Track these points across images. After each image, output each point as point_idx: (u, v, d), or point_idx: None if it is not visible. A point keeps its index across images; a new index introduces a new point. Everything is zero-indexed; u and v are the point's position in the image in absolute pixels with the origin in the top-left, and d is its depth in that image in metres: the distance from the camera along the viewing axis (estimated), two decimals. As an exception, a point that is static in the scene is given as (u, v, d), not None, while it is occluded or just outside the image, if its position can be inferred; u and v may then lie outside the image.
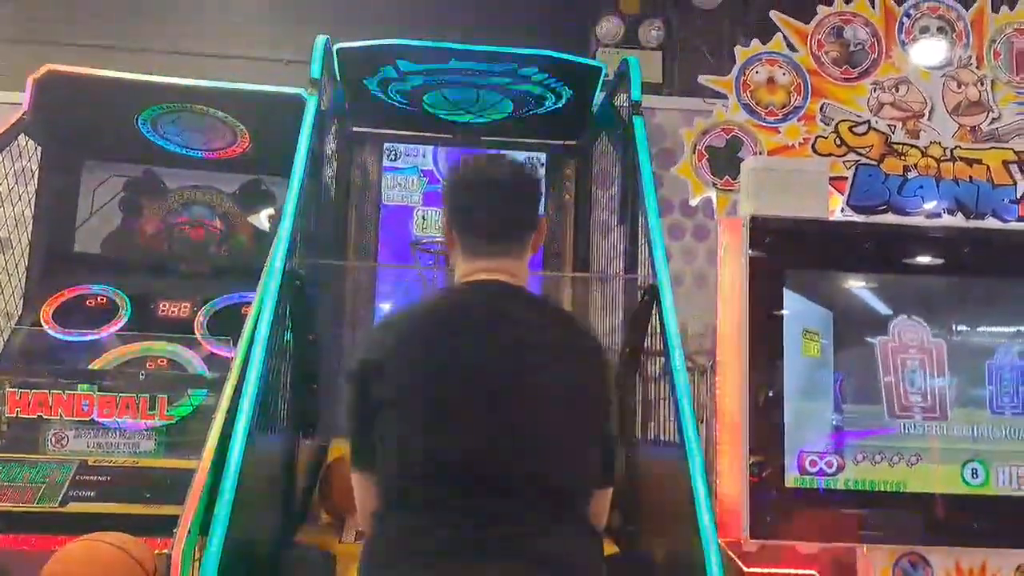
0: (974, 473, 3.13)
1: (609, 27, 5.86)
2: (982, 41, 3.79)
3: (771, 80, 3.73)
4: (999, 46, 3.79)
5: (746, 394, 3.08)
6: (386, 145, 4.35)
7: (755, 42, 3.80)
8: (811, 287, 3.19)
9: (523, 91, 3.89)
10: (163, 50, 5.68)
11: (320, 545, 2.90)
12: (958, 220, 3.56)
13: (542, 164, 4.39)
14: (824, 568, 3.05)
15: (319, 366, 3.21)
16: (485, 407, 1.60)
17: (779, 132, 3.69)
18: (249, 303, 3.38)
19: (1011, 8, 3.85)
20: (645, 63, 4.61)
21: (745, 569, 2.95)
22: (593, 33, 5.90)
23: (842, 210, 3.56)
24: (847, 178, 3.60)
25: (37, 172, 4.12)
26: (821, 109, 3.70)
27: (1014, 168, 3.64)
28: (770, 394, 3.09)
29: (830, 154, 3.64)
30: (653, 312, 2.97)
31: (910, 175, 3.60)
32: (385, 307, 4.22)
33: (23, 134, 3.93)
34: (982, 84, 3.75)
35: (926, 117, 3.71)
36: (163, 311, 4.10)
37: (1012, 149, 3.67)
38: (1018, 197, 3.61)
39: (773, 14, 3.81)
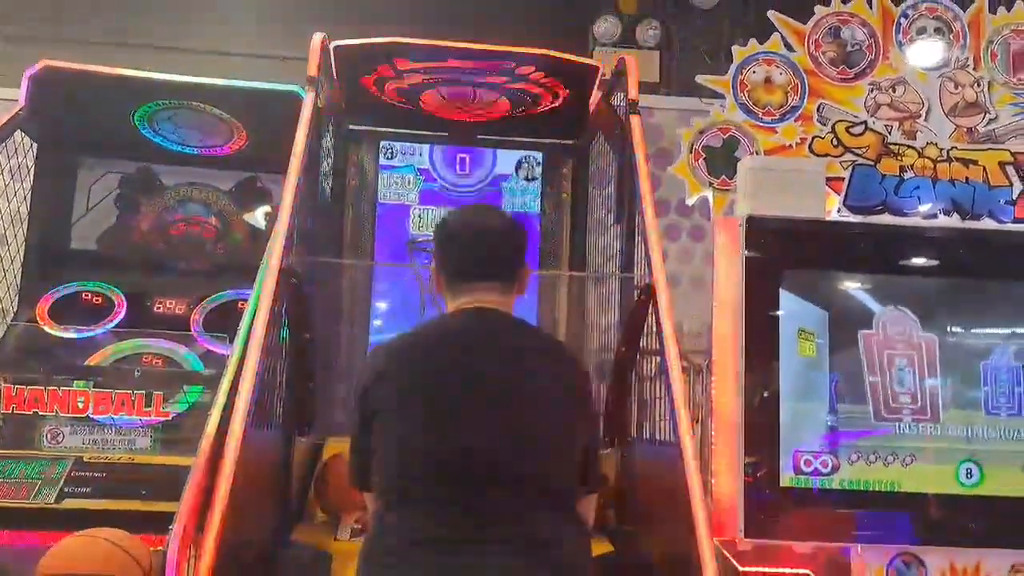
0: (968, 473, 3.14)
1: (607, 26, 5.86)
2: (979, 42, 3.80)
3: (768, 80, 3.74)
4: (996, 47, 3.80)
5: (742, 394, 3.08)
6: (383, 143, 4.34)
7: (752, 42, 3.81)
8: (807, 287, 3.20)
9: (520, 90, 3.89)
10: (160, 46, 5.67)
11: (315, 543, 2.90)
12: (954, 221, 3.57)
13: (538, 163, 4.39)
14: (819, 568, 3.05)
15: (315, 364, 3.21)
16: (480, 411, 1.70)
17: (776, 132, 3.70)
18: (245, 300, 3.38)
19: (1008, 9, 3.86)
20: (642, 63, 4.64)
21: (740, 568, 2.95)
22: (591, 32, 5.90)
23: (839, 210, 3.57)
24: (844, 178, 3.61)
25: (33, 168, 4.11)
26: (818, 109, 3.71)
27: (1010, 169, 3.65)
28: (765, 394, 3.10)
29: (827, 154, 3.65)
30: (649, 311, 2.98)
31: (906, 176, 3.61)
32: (382, 305, 4.22)
33: (19, 130, 3.92)
34: (979, 85, 3.76)
35: (923, 118, 3.72)
36: (159, 308, 4.10)
37: (1008, 150, 3.68)
38: (1014, 198, 3.62)
39: (771, 14, 3.82)
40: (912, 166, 3.63)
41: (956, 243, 3.35)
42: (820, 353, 3.17)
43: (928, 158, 3.64)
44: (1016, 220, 3.59)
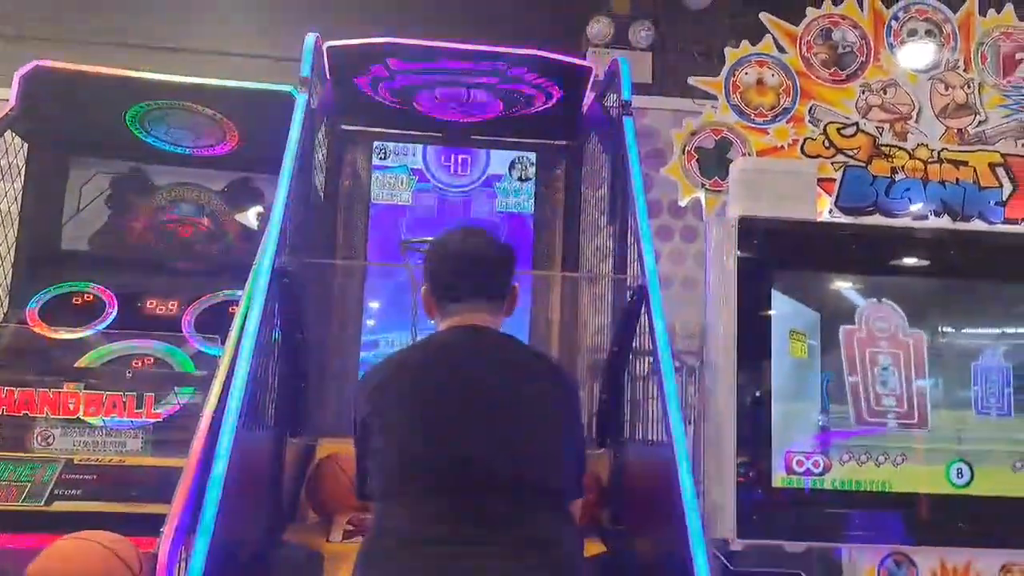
0: (959, 473, 3.15)
1: (599, 27, 5.86)
2: (969, 44, 3.82)
3: (760, 82, 3.74)
4: (986, 49, 3.82)
5: (734, 394, 3.09)
6: (376, 144, 4.34)
7: (744, 43, 3.81)
8: (799, 288, 3.21)
9: (513, 91, 3.90)
10: (152, 46, 5.66)
11: (308, 544, 2.89)
12: (945, 222, 3.59)
13: (532, 164, 4.40)
14: (810, 568, 3.06)
15: (308, 365, 3.21)
16: (477, 420, 1.76)
17: (768, 133, 3.71)
18: (237, 301, 3.37)
19: (998, 11, 3.87)
20: (635, 64, 4.63)
21: (732, 569, 2.96)
22: (584, 33, 5.91)
23: (830, 211, 3.58)
24: (835, 180, 3.62)
25: (23, 168, 4.09)
26: (810, 111, 3.72)
27: (1000, 171, 3.66)
28: (757, 394, 3.11)
29: (819, 156, 3.65)
30: (642, 312, 2.98)
31: (897, 177, 3.62)
32: (374, 305, 4.21)
33: (9, 130, 3.90)
34: (969, 87, 3.78)
35: (914, 119, 3.73)
36: (150, 309, 4.08)
37: (999, 152, 3.70)
38: (1004, 199, 3.63)
39: (763, 16, 3.82)
40: (903, 167, 3.64)
41: (947, 244, 3.37)
42: (812, 354, 3.18)
43: (919, 159, 3.66)
44: (1006, 221, 3.60)
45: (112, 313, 3.99)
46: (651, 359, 2.90)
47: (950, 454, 3.17)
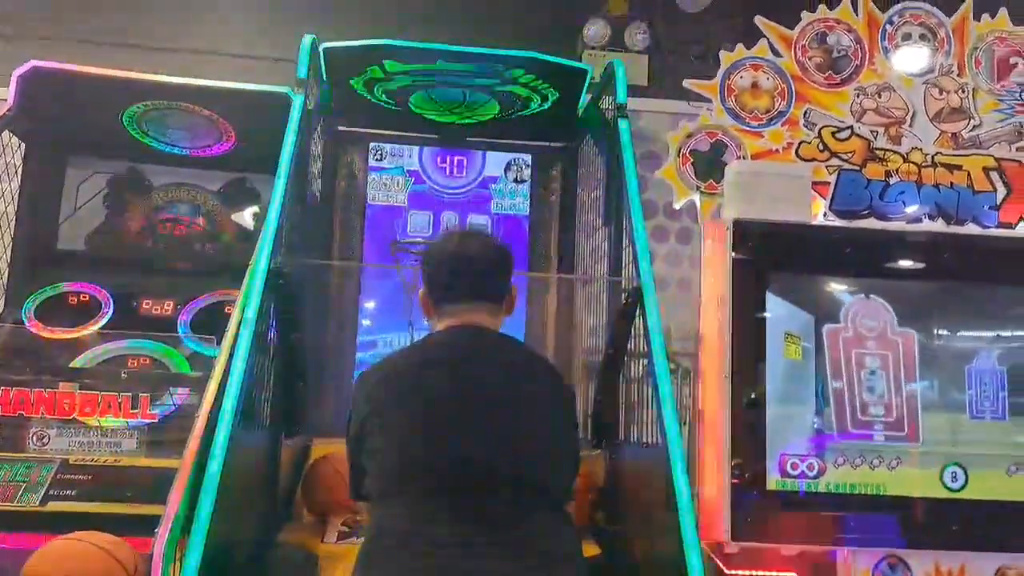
0: (954, 477, 3.16)
1: (596, 30, 5.88)
2: (964, 49, 3.83)
3: (755, 85, 3.76)
4: (980, 54, 3.83)
5: (728, 397, 3.10)
6: (372, 145, 4.34)
7: (740, 47, 3.83)
8: (794, 291, 3.21)
9: (510, 93, 3.90)
10: (150, 47, 5.66)
11: (302, 545, 2.89)
12: (939, 226, 3.60)
13: (528, 165, 4.40)
14: (805, 570, 3.07)
15: (303, 365, 3.21)
16: (475, 420, 1.76)
17: (763, 137, 3.72)
18: (233, 301, 3.38)
19: (992, 16, 3.88)
20: (631, 66, 4.66)
21: (726, 571, 2.96)
22: (580, 36, 5.92)
23: (825, 215, 3.59)
24: (830, 183, 3.63)
25: (20, 168, 4.09)
26: (805, 114, 3.73)
27: (994, 175, 3.68)
28: (752, 396, 3.11)
29: (813, 159, 3.67)
30: (637, 314, 2.99)
31: (892, 181, 3.64)
32: (370, 306, 4.22)
33: (6, 130, 3.90)
34: (963, 91, 3.79)
35: (908, 123, 3.74)
36: (146, 309, 4.08)
37: (992, 156, 3.71)
38: (998, 203, 3.65)
39: (758, 19, 3.84)
40: (897, 171, 3.65)
41: (941, 247, 3.38)
42: (806, 356, 3.18)
43: (913, 163, 3.67)
44: (1000, 225, 3.61)
45: (108, 313, 3.98)
46: (646, 361, 2.91)
47: (944, 458, 3.17)
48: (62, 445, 3.41)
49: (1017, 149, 3.74)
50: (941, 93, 3.78)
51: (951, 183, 3.64)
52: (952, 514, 3.13)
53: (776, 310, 3.18)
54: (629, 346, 3.11)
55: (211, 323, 3.89)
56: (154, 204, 4.36)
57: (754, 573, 3.01)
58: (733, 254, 3.19)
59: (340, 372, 4.00)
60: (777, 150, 3.70)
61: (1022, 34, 3.86)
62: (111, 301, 4.03)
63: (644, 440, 2.99)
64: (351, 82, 3.84)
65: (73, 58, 4.01)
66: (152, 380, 3.63)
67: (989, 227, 3.59)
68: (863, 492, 3.12)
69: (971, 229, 3.59)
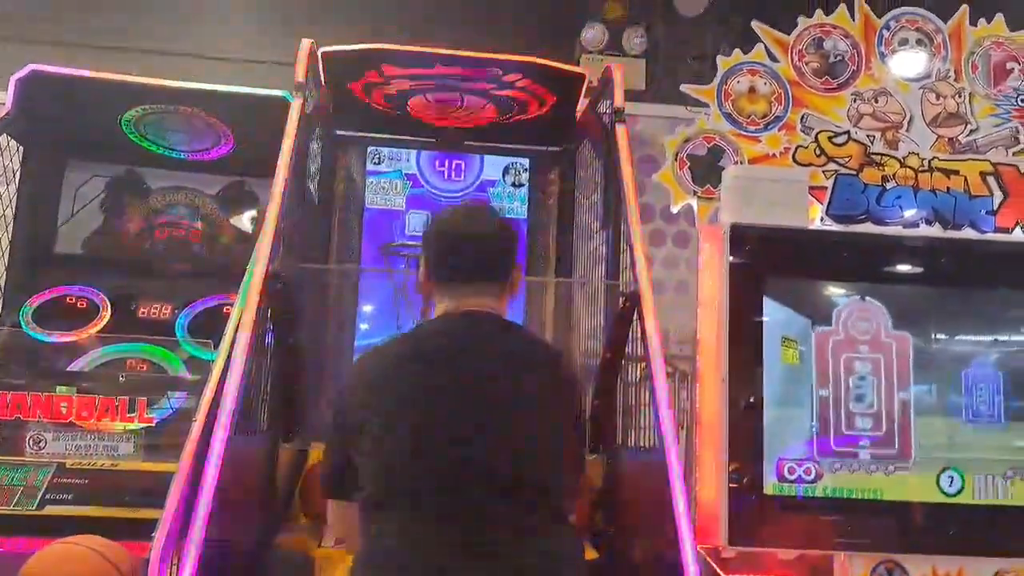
0: (951, 481, 3.16)
1: (593, 34, 5.88)
2: (960, 54, 3.84)
3: (752, 90, 3.76)
4: (977, 59, 3.84)
5: (725, 401, 3.10)
6: (370, 149, 4.35)
7: (736, 52, 3.83)
8: (791, 295, 3.22)
9: (507, 97, 3.91)
10: (148, 50, 5.65)
11: (300, 549, 2.89)
12: (936, 230, 3.60)
13: (525, 169, 4.41)
14: (802, 575, 3.07)
15: (301, 369, 3.21)
16: (473, 420, 1.67)
17: (760, 141, 3.72)
18: (231, 305, 3.38)
19: (989, 21, 3.89)
20: (628, 70, 4.66)
21: (723, 575, 2.97)
22: (577, 40, 5.92)
23: (822, 219, 3.59)
24: (827, 188, 3.63)
25: (19, 171, 4.09)
26: (802, 119, 3.73)
27: (991, 180, 3.68)
28: (750, 400, 3.12)
29: (810, 164, 3.67)
30: (634, 317, 2.99)
31: (889, 185, 3.64)
32: (368, 309, 4.22)
33: (4, 133, 3.90)
34: (960, 96, 3.80)
35: (905, 128, 3.75)
36: (144, 312, 4.08)
37: (989, 160, 3.71)
38: (995, 208, 3.65)
39: (755, 24, 3.84)
40: (894, 176, 3.66)
41: (938, 252, 3.39)
42: (803, 360, 3.19)
43: (910, 168, 3.67)
44: (997, 230, 3.62)
45: (106, 316, 3.98)
46: (644, 365, 2.91)
47: (941, 463, 3.18)
48: (59, 449, 3.41)
49: (1014, 154, 3.75)
50: (938, 98, 3.79)
51: (948, 188, 3.64)
52: (949, 519, 3.14)
53: (773, 314, 3.19)
54: (627, 350, 3.11)
55: (209, 327, 3.89)
56: (152, 207, 4.36)
57: (751, 577, 3.02)
58: (730, 258, 3.20)
59: (338, 376, 4.00)
60: (774, 155, 3.70)
61: (1019, 39, 3.87)
62: (109, 304, 4.03)
63: (641, 444, 2.99)
64: (349, 86, 3.84)
65: (71, 61, 4.01)
66: (150, 384, 3.63)
67: (986, 232, 3.60)
68: (860, 497, 3.13)
69: (968, 234, 3.59)
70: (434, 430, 1.66)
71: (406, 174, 4.35)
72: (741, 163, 3.67)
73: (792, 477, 3.11)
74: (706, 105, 3.78)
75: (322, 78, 3.73)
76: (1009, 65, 3.85)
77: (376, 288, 4.19)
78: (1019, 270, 3.38)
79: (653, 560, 2.72)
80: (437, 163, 4.37)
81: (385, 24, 5.30)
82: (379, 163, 4.35)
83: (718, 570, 2.98)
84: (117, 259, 4.25)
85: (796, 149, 3.70)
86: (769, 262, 3.25)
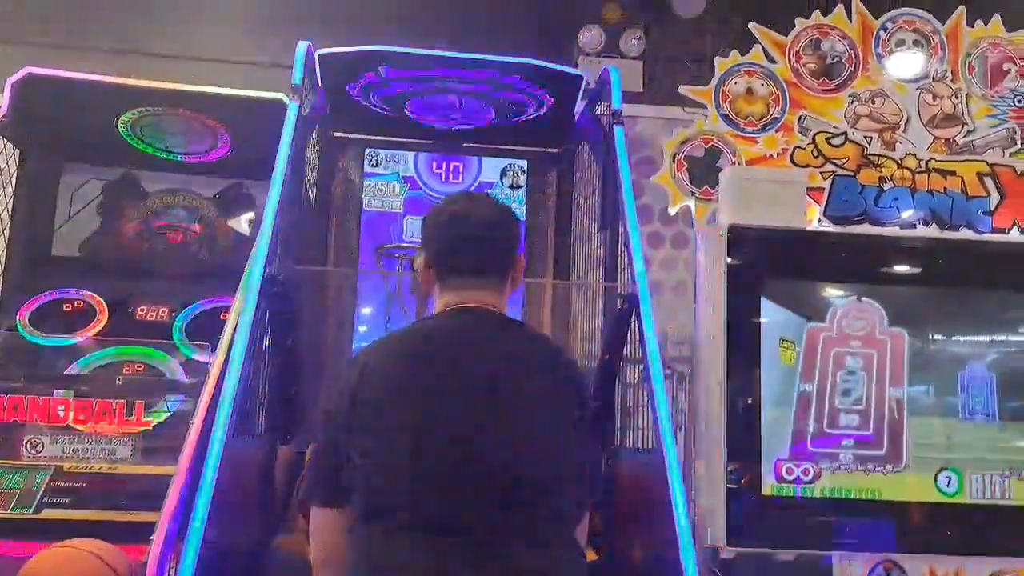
0: (948, 482, 3.17)
1: (591, 36, 5.89)
2: (957, 55, 3.84)
3: (750, 91, 3.76)
4: (974, 60, 3.85)
5: (723, 402, 3.10)
6: (367, 151, 4.35)
7: (734, 53, 3.83)
8: (788, 296, 3.22)
9: (505, 98, 3.91)
10: (144, 52, 5.65)
11: (298, 552, 2.88)
12: (933, 231, 3.60)
13: (523, 171, 4.41)
14: (801, 575, 3.07)
15: (298, 372, 3.21)
16: (471, 426, 1.60)
17: (757, 142, 3.72)
18: (228, 308, 3.36)
19: (986, 22, 3.90)
20: (626, 72, 4.67)
21: (721, 576, 2.97)
22: (575, 42, 5.93)
23: (819, 220, 3.59)
24: (824, 189, 3.63)
25: (15, 174, 4.09)
26: (799, 120, 3.73)
27: (988, 180, 3.68)
28: (748, 401, 3.12)
29: (808, 165, 3.67)
30: (632, 319, 2.99)
31: (886, 186, 3.64)
32: (366, 311, 4.22)
33: (1, 136, 3.90)
34: (957, 97, 3.81)
35: (902, 129, 3.75)
36: (141, 315, 4.08)
37: (986, 161, 3.71)
38: (992, 209, 3.65)
39: (752, 26, 3.84)
40: (891, 177, 3.66)
41: (935, 253, 3.39)
42: (800, 361, 3.19)
43: (907, 169, 3.67)
44: (994, 230, 3.62)
45: (103, 319, 3.98)
46: (642, 366, 2.91)
47: (939, 462, 3.18)
48: (56, 452, 3.41)
49: (1011, 155, 3.75)
50: (935, 99, 3.79)
51: (945, 189, 3.64)
52: (947, 519, 3.14)
53: (771, 315, 3.19)
54: (625, 351, 3.11)
55: (207, 329, 3.89)
56: (149, 210, 4.36)
57: (750, 578, 3.01)
58: (728, 259, 3.19)
59: (336, 378, 3.99)
60: (772, 156, 3.70)
61: (1016, 40, 3.87)
62: (106, 307, 4.02)
63: (640, 445, 2.99)
64: (347, 88, 3.84)
65: (68, 63, 4.01)
66: (147, 386, 3.62)
67: (983, 232, 3.60)
68: (858, 497, 3.12)
69: (965, 234, 3.59)
70: (434, 432, 1.60)
71: (404, 176, 4.35)
72: (739, 164, 3.67)
73: (790, 478, 3.11)
74: (704, 106, 3.78)
75: (319, 80, 3.73)
76: (1006, 66, 3.85)
77: (374, 290, 4.19)
78: (1016, 270, 3.39)
79: (652, 561, 2.71)
80: (435, 165, 4.37)
81: (381, 27, 5.29)
82: (377, 165, 4.35)
83: (717, 571, 2.98)
84: (114, 262, 4.25)
85: (794, 150, 3.70)
86: (767, 263, 3.25)
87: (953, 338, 3.34)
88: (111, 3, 5.89)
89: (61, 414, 3.45)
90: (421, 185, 4.34)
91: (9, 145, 4.00)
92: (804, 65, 3.80)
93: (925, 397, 3.23)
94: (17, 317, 3.90)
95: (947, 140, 3.76)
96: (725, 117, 3.75)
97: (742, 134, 3.74)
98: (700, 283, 3.38)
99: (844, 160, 3.69)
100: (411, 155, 4.37)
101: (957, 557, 3.11)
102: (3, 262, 4.07)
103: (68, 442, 3.44)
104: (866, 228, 3.57)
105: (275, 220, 2.89)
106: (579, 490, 1.70)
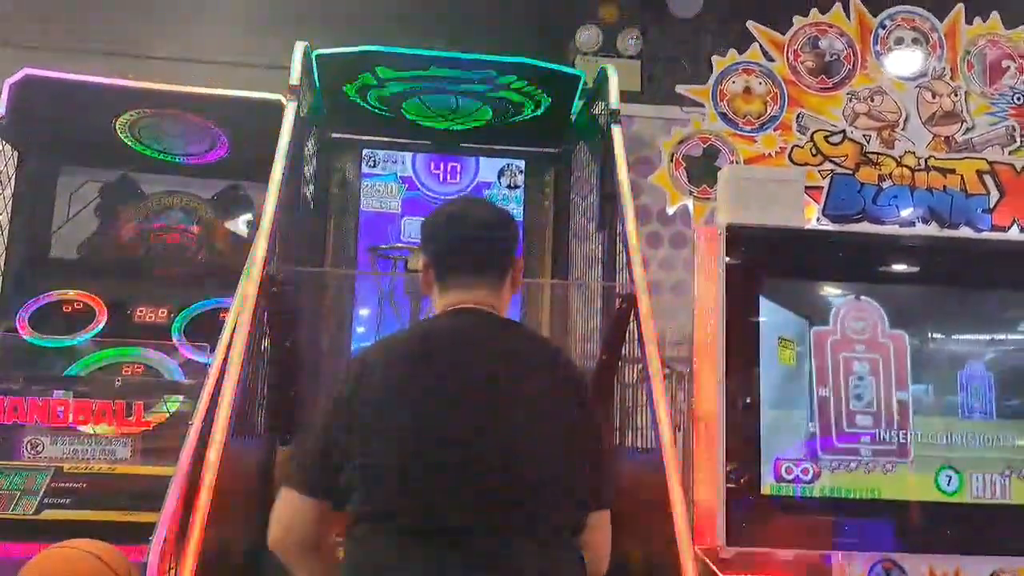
0: (948, 480, 3.16)
1: (588, 35, 5.88)
2: (956, 52, 3.84)
3: (748, 90, 3.76)
4: (972, 57, 3.85)
5: (722, 401, 3.10)
6: (365, 151, 4.35)
7: (732, 52, 3.83)
8: (787, 295, 3.22)
9: (502, 98, 3.91)
10: (142, 54, 5.64)
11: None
12: (932, 229, 3.60)
13: (521, 171, 4.41)
14: (800, 574, 3.07)
15: (297, 372, 3.20)
16: (469, 429, 1.60)
17: (756, 141, 3.72)
18: (226, 309, 3.37)
19: (984, 20, 3.90)
20: (624, 72, 4.65)
21: (721, 576, 2.97)
22: (572, 41, 5.93)
23: (818, 219, 3.59)
24: (823, 187, 3.63)
25: (13, 176, 4.09)
26: (797, 118, 3.73)
27: (987, 178, 3.68)
28: (747, 401, 3.12)
29: (806, 163, 3.67)
30: (631, 319, 2.99)
31: (885, 184, 3.64)
32: (364, 313, 4.22)
33: (-1, 138, 3.91)
34: (956, 95, 3.80)
35: (900, 127, 3.75)
36: (140, 317, 4.08)
37: (985, 159, 3.71)
38: (991, 206, 3.65)
39: (750, 24, 3.84)
40: (890, 175, 3.66)
41: (934, 252, 3.39)
42: (800, 360, 3.19)
43: (906, 167, 3.67)
44: (993, 228, 3.62)
45: (102, 321, 3.98)
46: (640, 366, 2.91)
47: (939, 461, 3.18)
48: (56, 453, 3.42)
49: (1010, 152, 3.75)
50: (933, 97, 3.79)
51: (944, 187, 3.64)
52: (946, 518, 3.14)
53: (769, 314, 3.19)
54: (624, 351, 3.11)
55: (205, 330, 3.89)
56: (147, 212, 4.37)
57: (749, 577, 3.02)
58: (726, 259, 3.19)
59: (336, 376, 3.98)
60: (770, 155, 3.70)
61: (1014, 37, 3.88)
62: (105, 309, 4.02)
63: (639, 445, 2.99)
64: (344, 89, 3.84)
65: (64, 66, 4.01)
66: (146, 387, 3.63)
67: (982, 230, 3.60)
68: (858, 496, 3.12)
69: (965, 233, 3.59)
70: (433, 433, 1.59)
71: (401, 177, 4.34)
72: (737, 163, 3.67)
73: (790, 477, 3.10)
74: (702, 105, 3.78)
75: (317, 81, 3.72)
76: (1005, 63, 3.85)
77: (371, 291, 4.18)
78: (1016, 268, 3.38)
79: (651, 561, 2.71)
80: (432, 165, 4.36)
81: (379, 26, 5.29)
82: (374, 166, 4.34)
83: (716, 570, 2.98)
84: (112, 263, 4.26)
85: (792, 149, 3.70)
86: (765, 262, 3.25)
87: (953, 337, 3.34)
88: (109, 5, 5.87)
89: (61, 415, 3.45)
90: (419, 186, 4.33)
91: (7, 147, 4.00)
92: (802, 63, 3.79)
93: (925, 396, 3.23)
94: (16, 318, 3.90)
95: (946, 138, 3.76)
96: (723, 116, 3.75)
97: (740, 133, 3.73)
98: (699, 282, 3.38)
99: (843, 158, 3.69)
100: (409, 155, 4.36)
101: (957, 556, 3.10)
102: (1, 264, 4.07)
103: (68, 443, 3.45)
104: (865, 227, 3.57)
105: (273, 221, 2.89)
106: (580, 491, 1.69)
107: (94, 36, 5.66)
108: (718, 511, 3.02)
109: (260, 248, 2.81)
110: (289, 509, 1.69)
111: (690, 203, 3.73)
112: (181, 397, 3.54)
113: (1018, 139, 3.78)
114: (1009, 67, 3.86)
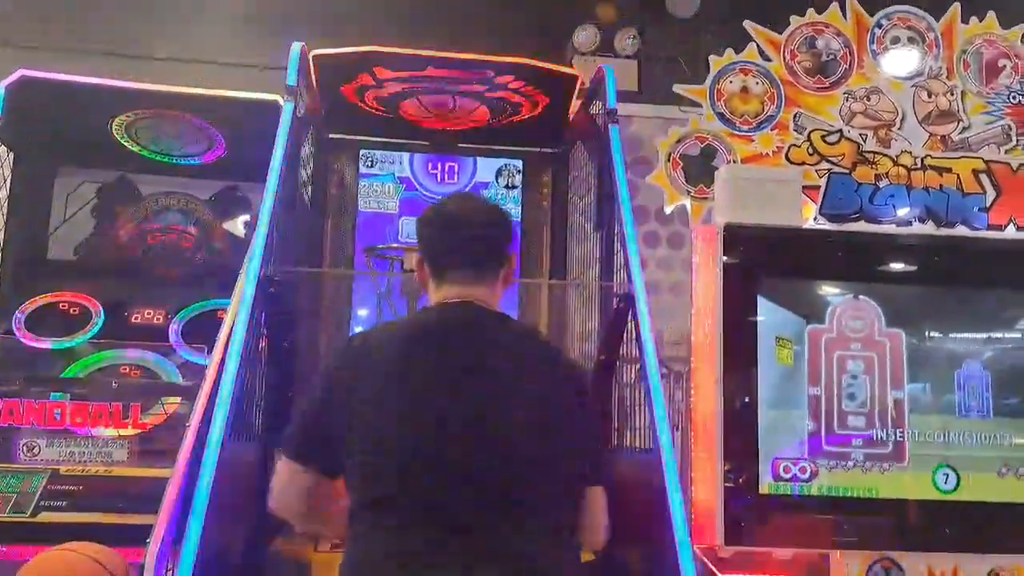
0: (945, 479, 3.17)
1: (585, 36, 5.89)
2: (952, 52, 3.85)
3: (745, 89, 3.76)
4: (969, 57, 3.85)
5: (720, 401, 3.10)
6: (362, 152, 4.34)
7: (729, 51, 3.83)
8: (785, 295, 3.22)
9: (500, 99, 3.91)
10: (139, 55, 5.64)
11: (295, 554, 2.88)
12: (929, 228, 3.61)
13: (519, 171, 4.41)
14: (798, 574, 3.07)
15: (295, 373, 3.20)
16: (463, 419, 1.61)
17: (753, 141, 3.72)
18: (224, 310, 3.36)
19: (980, 19, 3.90)
20: (621, 72, 4.66)
21: (720, 575, 2.96)
22: (569, 42, 5.93)
23: (815, 219, 3.59)
24: (820, 187, 3.64)
25: (10, 178, 4.08)
26: (794, 118, 3.74)
27: (984, 177, 3.69)
28: (745, 400, 3.12)
29: (803, 163, 3.67)
30: (629, 319, 2.99)
31: (882, 184, 3.64)
32: (362, 313, 4.21)
33: (-5, 140, 3.90)
34: (952, 94, 3.81)
35: (897, 126, 3.75)
36: (137, 318, 4.07)
37: (982, 158, 3.72)
38: (988, 205, 3.66)
39: (747, 24, 3.84)
40: (887, 174, 3.66)
41: (931, 250, 3.39)
42: (797, 359, 3.19)
43: (903, 166, 3.68)
44: (990, 227, 3.63)
45: (98, 323, 3.97)
46: (639, 366, 2.91)
47: (936, 460, 3.18)
48: (52, 455, 3.41)
49: (1006, 151, 3.76)
50: (930, 96, 3.80)
51: (940, 186, 3.65)
52: (945, 516, 3.14)
53: (767, 314, 3.19)
54: (622, 351, 3.11)
55: (202, 332, 3.88)
56: (144, 213, 4.36)
57: (748, 577, 3.02)
58: (724, 258, 3.20)
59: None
60: (767, 154, 3.70)
61: (1010, 37, 3.88)
62: (101, 311, 4.01)
63: (637, 445, 2.99)
64: (341, 89, 3.84)
65: (60, 67, 4.00)
66: (143, 389, 3.62)
67: (979, 229, 3.60)
68: (856, 495, 3.13)
69: (961, 231, 3.59)
70: (430, 421, 1.61)
71: (399, 177, 4.34)
72: (734, 163, 3.67)
73: (788, 476, 3.11)
74: (699, 105, 3.78)
75: (314, 81, 3.72)
76: (1001, 62, 3.86)
77: (368, 292, 4.18)
78: (1013, 267, 3.39)
79: (650, 561, 2.71)
80: (430, 166, 4.36)
81: (377, 27, 5.29)
82: (372, 166, 4.34)
83: (715, 570, 2.98)
84: (110, 265, 4.25)
85: (789, 148, 3.70)
86: (763, 261, 3.26)
87: (950, 335, 3.34)
88: (108, 5, 5.87)
89: (57, 417, 3.44)
90: (417, 186, 4.33)
91: (3, 148, 3.99)
92: (799, 63, 3.80)
93: (922, 395, 3.24)
94: (13, 320, 3.89)
95: (942, 137, 3.76)
96: (720, 116, 3.75)
97: (737, 132, 3.74)
98: (696, 282, 3.38)
99: (840, 158, 3.69)
100: (406, 156, 4.36)
101: (954, 554, 3.11)
102: (-2, 266, 4.07)
103: (64, 445, 3.44)
104: (862, 226, 3.57)
105: (270, 221, 2.88)
106: (578, 483, 1.71)
107: (93, 36, 5.66)
108: (716, 510, 3.03)
109: (257, 249, 2.81)
110: (284, 475, 1.74)
111: (688, 203, 3.73)
112: (179, 399, 3.53)
113: (1014, 138, 3.78)
114: (1005, 66, 3.86)
